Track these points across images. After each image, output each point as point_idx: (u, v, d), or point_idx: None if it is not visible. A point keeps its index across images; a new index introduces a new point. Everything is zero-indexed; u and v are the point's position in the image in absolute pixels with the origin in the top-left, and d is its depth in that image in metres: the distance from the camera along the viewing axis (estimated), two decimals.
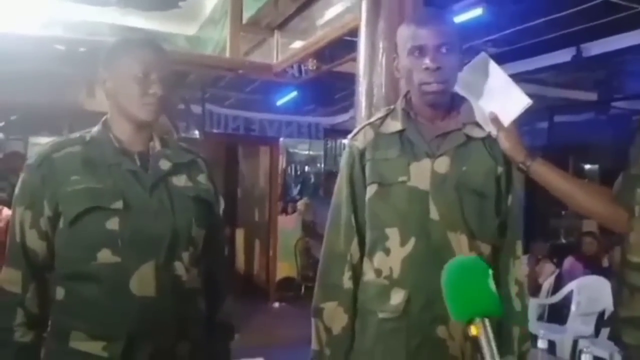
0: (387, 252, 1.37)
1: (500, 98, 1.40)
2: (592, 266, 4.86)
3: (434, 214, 1.34)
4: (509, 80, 1.42)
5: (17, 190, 1.33)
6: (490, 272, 0.87)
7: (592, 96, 6.80)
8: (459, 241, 1.33)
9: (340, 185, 1.47)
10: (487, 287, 0.85)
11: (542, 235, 5.88)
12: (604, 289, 4.09)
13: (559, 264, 5.12)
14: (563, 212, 8.09)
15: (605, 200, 1.39)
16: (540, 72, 5.61)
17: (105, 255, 1.24)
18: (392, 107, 1.50)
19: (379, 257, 1.39)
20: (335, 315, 1.42)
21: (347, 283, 1.43)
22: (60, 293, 1.29)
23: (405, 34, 1.37)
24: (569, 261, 5.00)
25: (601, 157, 7.24)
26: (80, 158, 1.30)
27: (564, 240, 7.58)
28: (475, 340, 0.82)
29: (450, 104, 1.41)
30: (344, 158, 1.49)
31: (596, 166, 8.03)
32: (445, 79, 1.34)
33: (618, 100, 6.71)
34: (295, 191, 10.67)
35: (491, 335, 0.81)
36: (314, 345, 1.47)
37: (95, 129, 1.37)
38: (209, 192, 1.43)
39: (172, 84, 1.38)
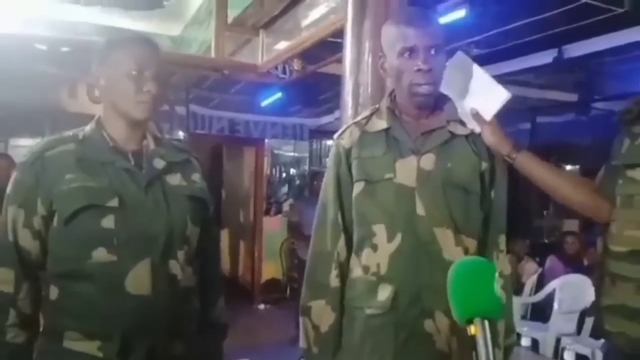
0: (374, 248, 1.38)
1: (481, 94, 1.43)
2: (574, 265, 4.93)
3: (420, 210, 1.35)
4: (488, 76, 1.45)
5: (9, 189, 1.31)
6: (497, 275, 0.88)
7: (573, 97, 6.89)
8: (445, 236, 1.35)
9: (327, 184, 1.49)
10: (492, 290, 0.86)
11: (525, 235, 5.94)
12: (586, 288, 4.15)
13: (541, 263, 5.19)
14: (545, 212, 8.20)
15: (587, 191, 1.42)
16: (522, 73, 5.68)
17: (100, 254, 1.24)
18: (377, 106, 1.52)
19: (366, 253, 1.40)
20: (323, 313, 1.43)
21: (334, 281, 1.44)
22: (54, 292, 1.27)
23: (393, 34, 1.38)
24: (551, 260, 5.08)
25: (582, 157, 7.35)
26: (74, 156, 1.29)
27: (546, 240, 7.68)
28: (472, 339, 0.84)
29: (434, 102, 1.43)
30: (331, 157, 1.51)
31: (577, 166, 8.15)
32: (435, 80, 1.36)
33: (598, 101, 6.81)
34: (281, 192, 10.65)
35: (489, 337, 0.82)
36: (302, 344, 1.47)
37: (89, 128, 1.36)
38: (204, 191, 1.44)
39: (164, 83, 1.38)
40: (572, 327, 4.27)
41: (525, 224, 7.14)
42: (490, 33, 4.71)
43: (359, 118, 1.53)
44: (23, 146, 6.44)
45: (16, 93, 4.59)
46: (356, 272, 1.43)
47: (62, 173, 1.26)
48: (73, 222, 1.24)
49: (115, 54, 1.31)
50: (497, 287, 0.87)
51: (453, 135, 1.40)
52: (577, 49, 5.04)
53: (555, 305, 4.25)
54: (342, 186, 1.46)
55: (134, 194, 1.29)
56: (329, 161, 1.51)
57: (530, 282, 4.83)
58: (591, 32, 4.67)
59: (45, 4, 3.97)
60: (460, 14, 4.03)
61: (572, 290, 4.29)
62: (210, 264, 1.49)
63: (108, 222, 1.24)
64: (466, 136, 1.41)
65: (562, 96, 6.98)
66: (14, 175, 1.31)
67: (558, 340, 4.20)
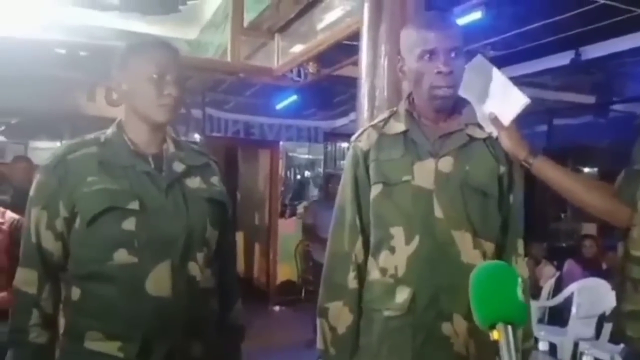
0: (392, 250, 1.39)
1: (499, 98, 1.43)
2: (592, 269, 4.87)
3: (438, 213, 1.36)
4: (507, 80, 1.45)
5: (32, 191, 1.33)
6: (520, 280, 0.88)
7: (591, 99, 6.81)
8: (463, 239, 1.35)
9: (345, 186, 1.49)
10: (515, 295, 0.85)
11: (542, 238, 5.88)
12: (605, 292, 4.10)
13: (558, 267, 5.13)
14: (562, 215, 8.11)
15: (606, 195, 1.41)
16: (539, 75, 5.63)
17: (121, 256, 1.26)
18: (395, 109, 1.52)
19: (384, 256, 1.40)
20: (341, 315, 1.44)
21: (352, 283, 1.44)
22: (75, 293, 1.29)
23: (413, 37, 1.39)
24: (568, 264, 5.02)
25: (600, 160, 7.26)
26: (96, 159, 1.31)
27: (563, 243, 7.60)
28: (494, 344, 0.83)
29: (453, 105, 1.43)
30: (348, 159, 1.51)
31: (595, 169, 8.06)
32: (455, 82, 1.37)
33: (616, 103, 6.73)
34: (297, 195, 10.65)
35: (512, 342, 0.82)
36: (320, 345, 1.48)
37: (110, 131, 1.38)
38: (223, 194, 1.45)
39: (184, 86, 1.40)
40: (590, 331, 4.22)
41: (542, 227, 7.07)
42: (507, 35, 4.68)
43: (376, 121, 1.53)
44: (42, 149, 6.54)
45: (36, 97, 4.67)
46: (373, 274, 1.43)
47: (84, 176, 1.29)
48: (95, 224, 1.26)
49: (136, 59, 1.33)
50: (520, 292, 0.86)
51: (471, 139, 1.40)
52: (594, 51, 4.98)
53: (573, 310, 4.20)
54: (359, 188, 1.46)
55: (155, 196, 1.31)
56: (346, 163, 1.52)
57: (547, 285, 4.78)
58: (609, 33, 4.61)
59: (64, 10, 4.03)
60: (476, 15, 4.01)
61: (591, 294, 4.23)
62: (228, 267, 1.51)
63: (129, 224, 1.26)
64: (484, 139, 1.41)
65: (580, 98, 6.89)
66: (37, 177, 1.34)
67: (576, 345, 4.15)
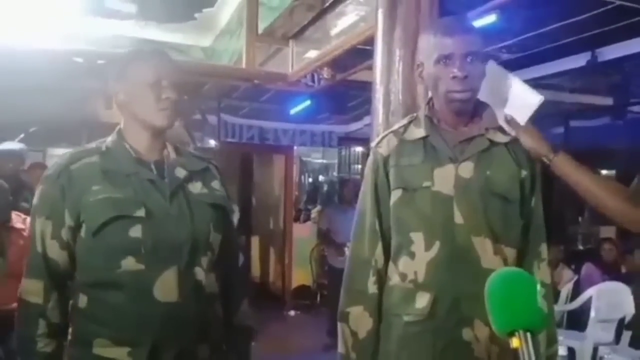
0: (412, 256, 1.39)
1: (514, 100, 1.44)
2: (611, 272, 4.81)
3: (458, 219, 1.36)
4: (519, 81, 1.46)
5: (35, 201, 1.35)
6: (539, 287, 0.87)
7: (608, 101, 6.73)
8: (483, 245, 1.35)
9: (365, 192, 1.50)
10: (535, 302, 0.85)
11: (559, 241, 5.83)
12: (624, 295, 4.05)
13: (577, 270, 5.07)
14: (580, 219, 8.01)
15: (623, 198, 1.39)
16: (555, 77, 5.58)
17: (129, 263, 1.27)
18: (414, 115, 1.53)
19: (403, 261, 1.41)
20: (361, 320, 1.45)
21: (372, 288, 1.45)
22: (82, 301, 1.30)
23: (431, 43, 1.39)
24: (587, 267, 4.96)
25: (617, 162, 7.17)
26: (99, 168, 1.32)
27: (581, 247, 7.51)
28: (514, 352, 0.83)
29: (473, 110, 1.43)
30: (368, 165, 1.52)
31: (612, 171, 7.96)
32: (472, 87, 1.36)
33: (634, 104, 6.64)
34: (311, 199, 10.67)
35: (532, 350, 0.81)
36: (340, 349, 1.49)
37: (110, 139, 1.39)
38: (224, 198, 1.47)
39: (185, 91, 1.42)
40: (610, 336, 4.16)
41: (559, 230, 6.99)
42: (522, 37, 4.66)
43: (396, 127, 1.54)
44: (59, 156, 6.62)
45: (54, 105, 4.74)
46: (393, 279, 1.43)
47: (88, 185, 1.30)
48: (101, 232, 1.27)
49: (131, 67, 1.35)
50: (540, 299, 0.86)
51: (492, 143, 1.40)
52: (611, 52, 4.93)
53: (592, 314, 4.15)
54: (379, 193, 1.47)
55: (159, 203, 1.32)
56: (367, 169, 1.53)
57: (566, 289, 4.73)
58: (626, 34, 4.57)
59: (82, 20, 4.09)
60: (490, 18, 3.99)
61: (610, 298, 4.18)
62: (232, 269, 1.52)
63: (136, 231, 1.27)
64: (506, 144, 1.41)
65: (597, 100, 6.82)
66: (40, 187, 1.35)
67: (595, 350, 4.10)
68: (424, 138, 1.43)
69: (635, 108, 6.66)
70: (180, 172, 1.39)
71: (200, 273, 1.34)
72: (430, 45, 1.39)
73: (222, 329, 1.42)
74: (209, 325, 1.37)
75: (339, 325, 1.48)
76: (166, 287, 1.28)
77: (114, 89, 1.37)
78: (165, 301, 1.28)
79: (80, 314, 1.31)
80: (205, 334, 1.35)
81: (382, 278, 1.45)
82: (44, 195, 1.33)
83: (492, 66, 1.48)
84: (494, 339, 1.31)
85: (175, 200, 1.34)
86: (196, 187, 1.40)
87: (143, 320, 1.27)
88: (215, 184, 1.46)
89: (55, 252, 1.31)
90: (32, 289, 1.31)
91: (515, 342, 0.82)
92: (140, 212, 1.28)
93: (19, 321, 1.33)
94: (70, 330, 1.32)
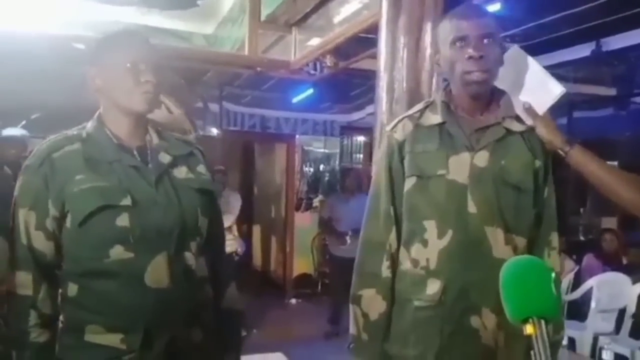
0: (424, 243, 1.39)
1: (534, 88, 1.42)
2: (612, 263, 4.82)
3: (471, 208, 1.35)
4: (543, 70, 1.45)
5: (17, 191, 1.31)
6: (554, 275, 0.88)
7: (612, 91, 6.71)
8: (495, 235, 1.35)
9: (379, 176, 1.49)
10: (549, 289, 0.85)
11: (561, 232, 5.83)
12: (625, 286, 4.06)
13: (578, 261, 5.08)
14: (582, 210, 8.01)
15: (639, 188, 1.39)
16: (559, 67, 5.55)
17: (118, 252, 1.25)
18: (431, 99, 1.51)
19: (416, 248, 1.41)
20: (374, 302, 1.45)
21: (386, 272, 1.45)
22: (72, 289, 1.29)
23: (447, 27, 1.39)
24: (588, 258, 4.97)
25: (621, 152, 7.15)
26: (82, 156, 1.29)
27: (582, 237, 7.52)
28: (526, 338, 0.83)
29: (490, 97, 1.42)
30: (383, 149, 1.51)
31: (615, 162, 7.95)
32: (488, 67, 1.35)
33: (638, 95, 6.62)
34: (313, 189, 10.69)
35: (546, 336, 0.82)
36: (352, 330, 1.50)
37: (90, 125, 1.36)
38: (210, 182, 1.45)
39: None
40: (610, 326, 4.18)
41: (561, 221, 6.99)
42: (526, 26, 4.63)
43: (411, 111, 1.52)
44: (40, 144, 6.61)
45: (55, 91, 4.73)
46: (405, 264, 1.44)
47: (71, 174, 1.27)
48: (88, 223, 1.25)
49: (108, 52, 1.31)
50: (554, 286, 0.86)
51: (508, 132, 1.39)
52: (616, 42, 4.90)
53: (593, 304, 4.17)
54: (394, 178, 1.46)
55: (145, 190, 1.30)
56: (381, 153, 1.52)
57: (567, 279, 4.74)
58: (631, 24, 4.54)
59: (83, 5, 4.06)
60: (495, 7, 3.97)
61: (611, 289, 4.20)
62: (218, 253, 1.52)
63: (123, 220, 1.25)
64: (521, 133, 1.40)
65: (600, 90, 6.80)
66: (21, 178, 1.31)
67: (595, 339, 4.11)
68: (440, 125, 1.42)
69: (639, 99, 6.64)
70: (165, 158, 1.36)
71: (190, 258, 1.34)
72: (446, 30, 1.39)
73: (211, 312, 1.42)
74: (201, 308, 1.38)
75: (351, 307, 1.49)
76: (157, 273, 1.27)
77: (91, 74, 1.32)
78: (156, 287, 1.27)
79: (70, 303, 1.30)
80: (197, 317, 1.36)
81: (395, 262, 1.45)
82: (26, 186, 1.29)
83: (515, 51, 1.46)
84: (501, 326, 1.32)
85: (160, 186, 1.32)
86: (181, 172, 1.38)
87: (135, 307, 1.27)
88: (201, 169, 1.44)
89: (41, 243, 1.28)
90: (21, 282, 1.28)
91: (529, 329, 0.83)
92: (126, 201, 1.26)
93: (9, 314, 1.31)
94: (61, 318, 1.31)
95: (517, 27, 4.65)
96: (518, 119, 1.41)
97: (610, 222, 6.31)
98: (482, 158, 1.37)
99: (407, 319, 1.41)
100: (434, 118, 1.44)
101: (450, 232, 1.36)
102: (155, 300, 1.27)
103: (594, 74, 6.26)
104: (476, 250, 1.34)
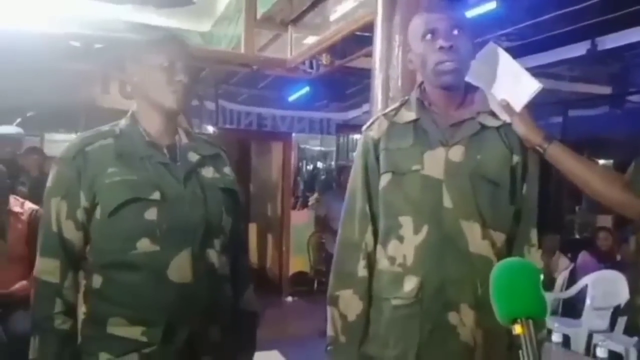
0: (400, 240, 1.39)
1: (511, 84, 1.41)
2: (607, 261, 4.84)
3: (447, 202, 1.35)
4: (519, 66, 1.44)
5: (50, 181, 1.36)
6: (542, 276, 0.89)
7: (607, 90, 6.73)
8: (472, 229, 1.34)
9: (355, 175, 1.49)
10: (537, 290, 0.87)
11: (556, 230, 5.85)
12: (620, 284, 4.07)
13: (573, 259, 5.11)
14: (577, 208, 8.05)
15: (619, 186, 1.38)
16: (555, 66, 5.57)
17: (144, 244, 1.29)
18: (406, 97, 1.51)
19: (392, 245, 1.40)
20: (351, 303, 1.44)
21: (362, 271, 1.44)
22: (97, 281, 1.32)
23: (417, 23, 1.41)
24: (583, 256, 4.99)
25: (615, 151, 7.18)
26: (114, 151, 1.34)
27: (577, 236, 7.55)
28: (502, 336, 0.85)
29: (464, 93, 1.42)
30: (359, 148, 1.51)
31: (610, 161, 7.98)
32: (459, 57, 1.35)
33: (633, 94, 6.64)
34: (310, 187, 10.70)
35: (534, 336, 0.83)
36: (330, 332, 1.49)
37: (124, 122, 1.42)
38: (234, 183, 1.50)
39: (195, 76, 1.42)
40: (604, 323, 4.20)
41: (556, 219, 7.02)
42: (522, 25, 4.64)
43: (387, 110, 1.53)
44: (58, 141, 6.60)
45: (51, 89, 4.71)
46: (382, 263, 1.43)
47: (104, 167, 1.32)
48: (117, 214, 1.29)
49: (146, 51, 1.37)
50: (541, 287, 0.87)
51: (483, 127, 1.39)
52: (611, 41, 4.92)
53: (588, 301, 4.18)
54: (369, 177, 1.46)
55: (174, 186, 1.34)
56: (357, 152, 1.52)
57: (562, 277, 4.76)
58: (626, 23, 4.55)
59: (79, 3, 4.06)
60: (490, 6, 3.97)
61: (605, 287, 4.21)
62: (239, 254, 1.55)
63: (151, 214, 1.30)
64: (497, 128, 1.39)
65: (596, 89, 6.83)
66: (54, 168, 1.36)
67: (590, 337, 4.14)
68: (415, 121, 1.42)
69: (634, 97, 6.67)
70: (193, 157, 1.41)
71: (213, 255, 1.37)
72: (416, 26, 1.40)
73: (231, 312, 1.44)
74: (221, 306, 1.40)
75: (329, 308, 1.48)
76: (180, 268, 1.30)
77: (129, 71, 1.39)
78: (179, 282, 1.30)
79: (94, 294, 1.32)
80: (216, 315, 1.38)
81: (372, 261, 1.45)
82: (59, 176, 1.34)
83: (491, 47, 1.46)
84: (480, 323, 1.32)
85: (189, 183, 1.37)
86: (208, 172, 1.43)
87: (157, 301, 1.29)
88: (227, 170, 1.50)
89: (71, 233, 1.32)
90: (48, 268, 1.32)
91: (518, 329, 0.84)
92: (156, 195, 1.31)
93: (34, 300, 1.34)
94: (83, 310, 1.34)
95: (513, 26, 4.66)
96: (493, 114, 1.40)
97: (605, 221, 6.33)
98: (457, 153, 1.36)
99: (385, 319, 1.40)
100: (409, 115, 1.44)
101: (426, 228, 1.35)
102: (177, 295, 1.30)
103: (589, 73, 6.28)
104: (452, 245, 1.33)
